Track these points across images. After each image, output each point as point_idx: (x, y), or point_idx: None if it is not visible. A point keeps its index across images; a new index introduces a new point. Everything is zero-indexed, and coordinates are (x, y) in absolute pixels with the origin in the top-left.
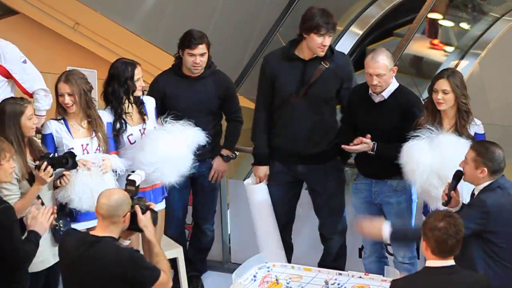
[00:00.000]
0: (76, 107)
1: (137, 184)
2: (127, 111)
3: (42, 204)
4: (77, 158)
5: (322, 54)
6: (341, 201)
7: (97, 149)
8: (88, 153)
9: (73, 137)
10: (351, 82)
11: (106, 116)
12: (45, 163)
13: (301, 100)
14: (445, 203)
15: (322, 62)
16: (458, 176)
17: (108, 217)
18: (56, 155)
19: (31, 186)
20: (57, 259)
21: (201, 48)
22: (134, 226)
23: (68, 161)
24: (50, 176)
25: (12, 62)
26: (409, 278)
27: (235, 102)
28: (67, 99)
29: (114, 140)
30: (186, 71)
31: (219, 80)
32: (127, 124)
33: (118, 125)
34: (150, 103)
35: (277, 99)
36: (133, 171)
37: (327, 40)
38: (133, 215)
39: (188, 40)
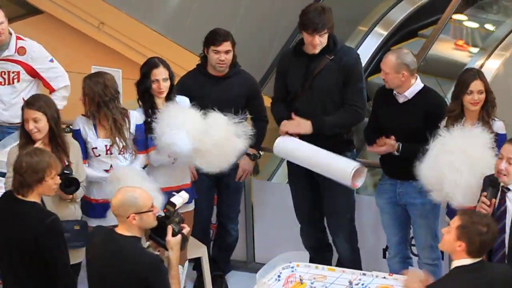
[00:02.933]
0: (88, 108)
1: (176, 208)
2: (157, 108)
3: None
4: (100, 157)
5: (314, 51)
6: (347, 202)
7: (121, 151)
8: (111, 154)
9: (97, 136)
10: (355, 78)
11: (138, 116)
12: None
13: (307, 93)
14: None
15: (326, 55)
16: (495, 182)
17: (116, 215)
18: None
19: None
20: None
21: (226, 45)
22: (161, 243)
23: (69, 187)
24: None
25: (39, 61)
26: (444, 280)
27: (260, 101)
28: (81, 98)
29: (151, 138)
30: (212, 70)
31: (243, 80)
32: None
33: (148, 120)
34: (184, 103)
35: (288, 95)
36: (179, 191)
37: (317, 39)
38: (164, 232)
39: (213, 37)
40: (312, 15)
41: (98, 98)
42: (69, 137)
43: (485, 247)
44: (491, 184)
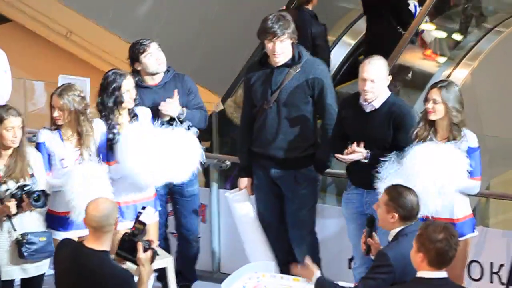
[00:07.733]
0: (65, 122)
1: (146, 226)
2: (118, 122)
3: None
4: (69, 167)
5: (276, 60)
6: (310, 214)
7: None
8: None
9: (66, 147)
10: (325, 91)
11: (103, 125)
12: (13, 200)
13: (272, 106)
14: (366, 252)
15: (291, 68)
16: (371, 221)
17: (100, 228)
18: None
19: None
20: (26, 274)
21: (154, 45)
22: (132, 260)
23: (39, 199)
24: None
25: None
26: None
27: (197, 97)
28: (56, 113)
29: (112, 150)
30: (149, 80)
31: (182, 83)
32: (120, 135)
33: (110, 136)
34: (144, 114)
35: (254, 107)
36: (144, 207)
37: (277, 46)
38: (133, 249)
39: (140, 46)
40: (270, 22)
41: (77, 110)
42: (30, 148)
43: (442, 254)
44: (368, 223)
